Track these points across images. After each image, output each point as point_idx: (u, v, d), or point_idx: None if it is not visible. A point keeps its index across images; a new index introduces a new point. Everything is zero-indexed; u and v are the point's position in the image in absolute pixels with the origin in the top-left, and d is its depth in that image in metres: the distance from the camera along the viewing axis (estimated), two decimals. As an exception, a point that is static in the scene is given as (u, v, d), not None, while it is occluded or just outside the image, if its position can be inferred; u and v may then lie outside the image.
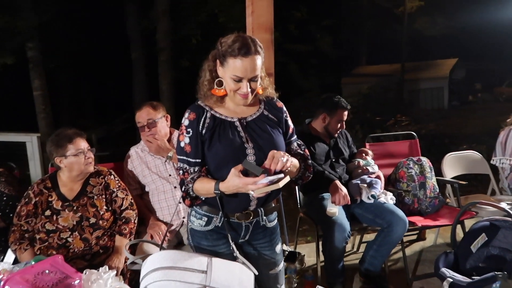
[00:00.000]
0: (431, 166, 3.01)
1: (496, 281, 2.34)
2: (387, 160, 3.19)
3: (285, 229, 2.78)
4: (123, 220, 2.26)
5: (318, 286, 1.90)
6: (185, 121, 1.58)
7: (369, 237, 3.33)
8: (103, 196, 2.23)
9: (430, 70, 19.74)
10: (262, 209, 1.64)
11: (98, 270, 1.60)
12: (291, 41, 12.56)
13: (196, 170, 1.57)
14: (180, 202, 1.81)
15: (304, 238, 3.90)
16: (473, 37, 20.57)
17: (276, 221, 1.73)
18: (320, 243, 2.66)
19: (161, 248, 1.66)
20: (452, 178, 3.26)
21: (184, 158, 1.58)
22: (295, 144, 1.71)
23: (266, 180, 1.38)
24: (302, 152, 1.68)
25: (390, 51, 19.78)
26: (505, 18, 16.90)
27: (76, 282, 1.51)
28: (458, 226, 2.73)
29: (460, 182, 2.98)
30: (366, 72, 20.17)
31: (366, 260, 2.69)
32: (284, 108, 1.70)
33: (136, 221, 2.30)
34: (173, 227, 2.40)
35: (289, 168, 1.48)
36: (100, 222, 2.18)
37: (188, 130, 1.56)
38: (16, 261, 2.10)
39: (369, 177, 2.76)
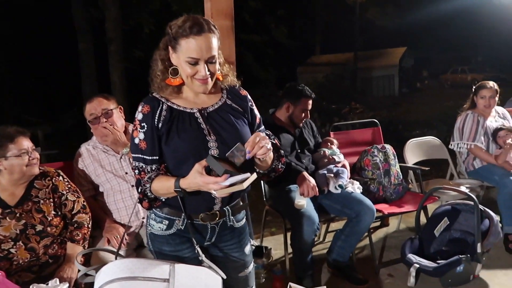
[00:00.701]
0: (395, 153, 3.02)
1: (460, 264, 2.39)
2: (352, 149, 3.17)
3: (250, 222, 2.68)
4: (75, 225, 2.04)
5: (290, 283, 1.82)
6: (139, 115, 1.41)
7: (335, 226, 3.31)
8: (51, 200, 2.00)
9: (381, 58, 20.41)
10: (228, 208, 1.50)
11: (47, 284, 1.41)
12: (246, 31, 12.40)
13: (153, 168, 1.41)
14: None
15: (268, 230, 3.83)
16: (420, 27, 21.46)
17: (244, 220, 1.61)
18: (288, 236, 2.58)
19: (117, 255, 1.49)
20: (414, 164, 3.31)
21: (140, 156, 1.41)
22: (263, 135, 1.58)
23: (228, 182, 1.25)
24: (274, 142, 1.55)
25: (343, 40, 20.20)
26: (450, 9, 17.74)
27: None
28: (422, 212, 2.77)
29: (423, 168, 3.02)
30: (320, 61, 20.49)
31: (334, 251, 2.65)
32: (249, 97, 1.56)
33: (90, 225, 2.10)
34: (132, 229, 2.22)
35: (266, 158, 1.39)
36: (48, 229, 1.95)
37: (142, 124, 1.40)
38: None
39: (335, 166, 2.71)
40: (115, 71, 9.34)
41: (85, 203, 2.11)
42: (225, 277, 1.42)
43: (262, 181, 2.89)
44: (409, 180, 3.33)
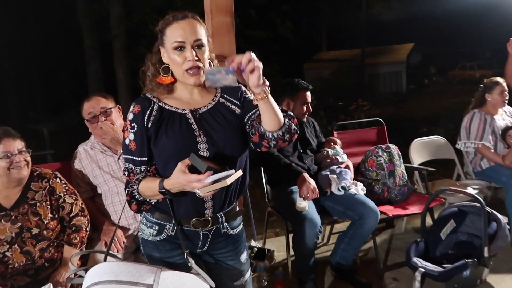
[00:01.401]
0: (399, 153, 2.95)
1: (467, 269, 2.33)
2: (356, 148, 3.11)
3: (253, 222, 2.64)
4: (73, 228, 2.01)
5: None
6: (130, 115, 1.38)
7: (339, 227, 3.26)
8: (48, 202, 1.97)
9: (388, 54, 20.21)
10: (222, 214, 1.44)
11: (43, 288, 1.38)
12: (252, 27, 12.33)
13: (142, 170, 1.37)
14: None
15: (273, 230, 3.78)
16: (427, 22, 21.22)
17: (241, 226, 1.55)
18: (290, 238, 2.54)
19: (106, 256, 1.45)
20: (419, 164, 3.24)
21: (129, 157, 1.38)
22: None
23: (211, 179, 1.21)
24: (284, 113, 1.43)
25: (349, 36, 20.05)
26: (458, 4, 17.49)
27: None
28: (427, 214, 2.70)
29: (429, 169, 2.95)
30: (327, 58, 20.35)
31: (337, 254, 2.60)
32: (243, 88, 1.48)
33: (88, 229, 2.06)
34: (130, 232, 2.18)
35: (258, 75, 1.21)
36: (45, 232, 1.92)
37: (132, 125, 1.37)
38: None
39: (338, 167, 2.65)
40: (120, 68, 9.36)
41: (83, 206, 2.08)
42: (213, 285, 1.37)
43: (264, 181, 2.84)
44: (415, 181, 3.27)
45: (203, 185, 1.21)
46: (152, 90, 1.41)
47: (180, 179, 1.23)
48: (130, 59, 9.27)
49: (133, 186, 1.37)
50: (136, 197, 1.37)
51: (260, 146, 1.36)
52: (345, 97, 12.85)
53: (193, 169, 1.24)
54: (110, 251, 1.46)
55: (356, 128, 3.56)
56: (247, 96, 1.46)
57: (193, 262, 1.37)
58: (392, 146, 2.93)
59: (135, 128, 1.36)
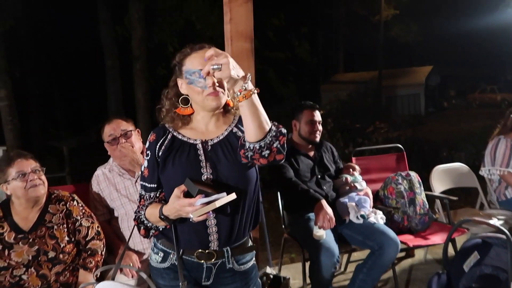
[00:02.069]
0: (420, 181, 2.87)
1: (492, 305, 2.22)
2: (375, 175, 3.05)
3: (268, 247, 2.59)
4: (89, 252, 2.00)
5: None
6: (147, 143, 1.44)
7: (357, 255, 3.17)
8: (65, 225, 1.97)
9: (406, 77, 20.10)
10: (228, 249, 1.41)
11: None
12: (270, 48, 12.47)
13: (151, 196, 1.42)
14: None
15: (288, 255, 3.71)
16: (446, 44, 21.11)
17: (251, 263, 1.48)
18: (307, 266, 2.47)
19: (115, 275, 1.53)
20: (441, 192, 3.15)
21: (142, 183, 1.43)
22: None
23: (200, 202, 1.21)
24: (277, 123, 1.32)
25: (367, 58, 20.05)
26: (476, 27, 17.39)
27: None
28: (450, 244, 2.60)
29: (451, 197, 2.86)
30: (344, 79, 20.36)
31: (355, 284, 2.50)
32: None
33: (103, 253, 2.05)
34: (145, 256, 2.17)
35: (235, 80, 1.14)
36: (61, 256, 1.92)
37: (147, 152, 1.42)
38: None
39: (357, 194, 2.60)
40: (140, 88, 9.51)
41: (99, 229, 2.07)
42: None
43: (280, 206, 2.80)
44: (436, 210, 3.17)
45: (194, 208, 1.22)
46: (169, 122, 1.44)
47: (175, 204, 1.26)
48: (149, 80, 9.45)
49: (140, 212, 1.41)
50: (144, 222, 1.40)
51: (241, 158, 1.29)
52: (362, 119, 12.77)
53: (188, 195, 1.26)
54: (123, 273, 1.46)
55: (375, 153, 3.50)
56: None
57: None
58: (412, 173, 2.86)
59: (149, 156, 1.41)
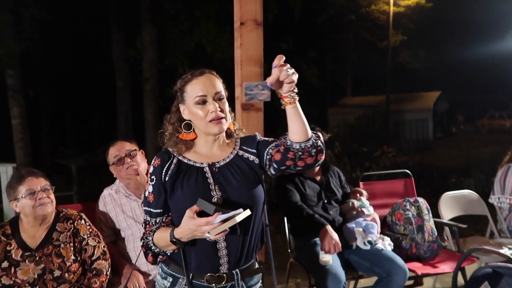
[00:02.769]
0: (428, 207, 2.84)
1: (504, 337, 2.15)
2: (382, 200, 3.02)
3: (274, 271, 2.55)
4: (94, 272, 2.00)
5: None
6: (151, 168, 1.43)
7: (365, 282, 3.11)
8: (71, 244, 1.98)
9: (414, 102, 20.13)
10: (238, 271, 1.41)
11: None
12: (278, 72, 12.64)
13: (157, 221, 1.40)
14: None
15: (294, 280, 3.65)
16: (454, 70, 21.20)
17: (259, 284, 1.49)
18: (313, 292, 2.43)
19: None
20: (449, 219, 3.10)
21: (147, 208, 1.42)
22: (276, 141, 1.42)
23: (219, 219, 1.21)
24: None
25: (374, 82, 20.18)
26: (485, 53, 17.49)
27: None
28: (459, 273, 2.55)
29: (460, 225, 2.82)
30: (352, 103, 20.45)
31: (362, 312, 2.46)
32: (258, 135, 1.51)
33: (108, 273, 2.05)
34: (150, 277, 2.15)
35: (291, 84, 1.23)
36: (66, 275, 1.92)
37: (152, 177, 1.41)
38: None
39: (364, 220, 2.57)
40: (149, 108, 9.66)
41: (105, 249, 2.07)
42: None
43: (287, 230, 2.78)
44: (445, 237, 3.12)
45: (213, 226, 1.22)
46: (172, 147, 1.44)
47: (189, 225, 1.25)
48: (159, 101, 9.58)
49: (148, 238, 1.40)
50: (152, 248, 1.39)
51: (284, 161, 1.32)
52: (370, 143, 12.73)
53: (201, 215, 1.26)
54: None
55: (383, 178, 3.48)
56: (262, 139, 1.49)
57: None
58: (420, 199, 2.83)
59: (154, 181, 1.40)
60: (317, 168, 2.73)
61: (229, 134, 1.49)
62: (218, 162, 1.42)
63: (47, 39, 9.56)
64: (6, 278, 1.85)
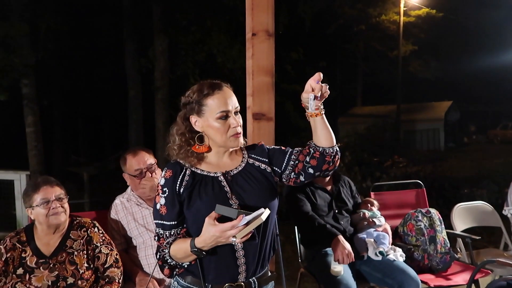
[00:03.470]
0: (441, 218, 2.82)
1: None
2: (394, 211, 3.00)
3: (284, 281, 2.54)
4: (106, 280, 2.02)
5: None
6: (161, 180, 1.41)
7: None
8: (85, 252, 2.00)
9: (425, 111, 19.98)
10: (255, 279, 1.42)
11: None
12: (288, 81, 12.67)
13: (172, 233, 1.39)
14: None
15: (303, 291, 3.63)
16: (466, 80, 21.03)
17: None
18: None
19: None
20: (462, 231, 3.07)
21: (159, 221, 1.40)
22: (297, 150, 1.50)
23: (244, 221, 1.22)
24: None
25: (385, 92, 20.10)
26: (496, 62, 17.34)
27: None
28: (473, 286, 2.51)
29: (473, 237, 2.78)
30: (362, 113, 20.37)
31: (373, 324, 2.44)
32: (264, 144, 1.55)
33: (120, 281, 2.06)
34: (166, 283, 2.17)
35: (325, 97, 1.40)
36: (79, 282, 1.94)
37: (164, 189, 1.39)
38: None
39: (376, 230, 2.56)
40: (160, 117, 9.74)
41: (117, 257, 2.09)
42: None
43: (297, 240, 2.77)
44: (457, 249, 3.08)
45: (238, 230, 1.22)
46: (183, 159, 1.43)
47: (212, 232, 1.25)
48: (170, 110, 9.67)
49: (164, 250, 1.38)
50: (168, 261, 1.38)
51: (321, 166, 1.44)
52: (380, 153, 12.63)
53: (220, 221, 1.26)
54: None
55: (394, 188, 3.46)
56: (270, 148, 1.52)
57: None
58: (432, 210, 2.81)
59: (166, 193, 1.39)
60: (328, 178, 2.73)
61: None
62: (231, 171, 1.44)
63: (62, 49, 9.74)
64: (20, 284, 1.88)
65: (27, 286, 1.88)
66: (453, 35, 19.01)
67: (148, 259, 2.19)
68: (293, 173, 1.47)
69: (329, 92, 1.39)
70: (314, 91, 1.35)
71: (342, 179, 2.82)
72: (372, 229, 2.57)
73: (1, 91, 7.76)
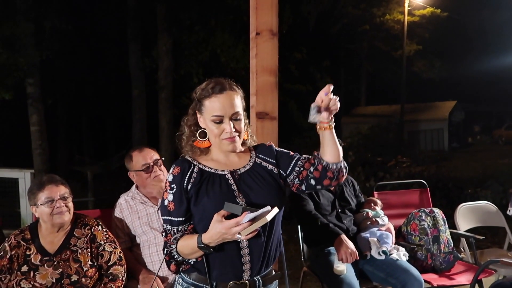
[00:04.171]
0: (444, 218, 2.81)
1: None
2: (397, 210, 3.00)
3: (287, 280, 2.55)
4: (110, 277, 2.03)
5: None
6: (169, 177, 1.43)
7: (378, 293, 3.07)
8: (88, 249, 2.01)
9: (429, 111, 19.89)
10: (259, 278, 1.43)
11: None
12: (291, 81, 12.67)
13: (179, 229, 1.40)
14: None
15: (306, 291, 3.63)
16: (470, 80, 20.93)
17: None
18: (326, 303, 2.42)
19: None
20: (466, 231, 3.06)
21: (167, 217, 1.41)
22: (305, 157, 1.50)
23: (248, 218, 1.23)
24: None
25: (389, 92, 20.04)
26: (501, 62, 17.25)
27: None
28: (476, 286, 2.51)
29: (477, 237, 2.77)
30: (365, 113, 20.31)
31: (376, 323, 2.43)
32: (273, 146, 1.55)
33: (124, 278, 2.07)
34: (169, 281, 2.17)
35: (335, 110, 1.35)
36: (83, 280, 1.95)
37: (172, 186, 1.41)
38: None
39: (379, 230, 2.56)
40: (164, 117, 9.77)
41: (121, 255, 2.10)
42: None
43: (300, 239, 2.77)
44: (461, 249, 3.07)
45: (243, 227, 1.23)
46: (189, 152, 1.46)
47: (218, 228, 1.26)
48: (174, 109, 9.70)
49: (171, 246, 1.39)
50: (175, 257, 1.39)
51: (322, 180, 1.42)
52: (384, 153, 12.60)
53: (229, 219, 1.27)
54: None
55: (397, 188, 3.45)
56: (279, 150, 1.52)
57: None
58: (436, 210, 2.80)
59: (174, 189, 1.40)
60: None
61: (243, 142, 1.51)
62: (239, 170, 1.45)
63: (66, 49, 9.79)
64: (25, 281, 1.89)
65: (32, 283, 1.89)
66: (458, 35, 18.92)
67: (152, 257, 2.20)
68: (297, 179, 1.47)
69: (338, 105, 1.34)
70: (322, 102, 1.33)
71: (345, 179, 2.82)
72: (375, 229, 2.57)
73: (6, 90, 7.82)
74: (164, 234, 1.42)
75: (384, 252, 2.42)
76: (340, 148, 1.42)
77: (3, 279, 1.90)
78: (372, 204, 2.73)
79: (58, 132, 13.17)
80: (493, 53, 18.50)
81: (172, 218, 1.40)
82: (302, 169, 1.46)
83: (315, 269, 2.59)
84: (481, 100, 22.75)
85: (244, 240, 1.33)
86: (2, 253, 1.93)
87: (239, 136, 1.42)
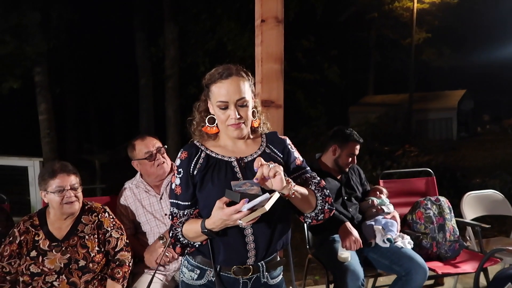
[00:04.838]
0: (450, 206, 2.80)
1: None
2: (403, 199, 2.99)
3: (292, 267, 2.57)
4: (117, 263, 2.06)
5: None
6: (177, 161, 1.46)
7: (384, 280, 3.09)
8: (95, 236, 2.04)
9: (438, 100, 19.67)
10: (263, 263, 1.44)
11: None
12: (299, 70, 12.58)
13: (185, 213, 1.43)
14: None
15: (312, 277, 3.65)
16: (480, 69, 20.63)
17: (280, 276, 1.54)
18: (331, 289, 2.44)
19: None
20: (472, 219, 3.05)
21: (174, 201, 1.44)
22: (304, 177, 1.50)
23: (247, 206, 1.23)
24: (317, 182, 1.48)
25: (397, 81, 19.83)
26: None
27: None
28: (481, 274, 2.50)
29: (483, 225, 2.76)
30: (373, 102, 20.14)
31: (381, 310, 2.45)
32: (288, 141, 1.54)
33: (131, 264, 2.10)
34: (171, 271, 2.19)
35: (280, 177, 1.27)
36: (90, 265, 1.98)
37: (179, 170, 1.44)
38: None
39: (384, 218, 2.56)
40: (171, 105, 9.80)
41: (127, 241, 2.13)
42: None
43: (305, 226, 2.78)
44: (467, 237, 3.06)
45: (243, 214, 1.23)
46: (198, 137, 1.47)
47: (219, 215, 1.27)
48: (180, 98, 9.71)
49: (177, 229, 1.42)
50: (181, 239, 1.41)
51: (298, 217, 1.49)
52: (392, 142, 12.54)
53: (231, 205, 1.28)
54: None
55: (404, 176, 3.43)
56: (291, 151, 1.51)
57: None
58: (442, 198, 2.79)
59: (181, 174, 1.42)
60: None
61: (253, 130, 1.51)
62: (246, 157, 1.45)
63: (73, 38, 9.82)
64: (34, 266, 1.93)
65: (40, 268, 1.93)
66: (468, 23, 18.58)
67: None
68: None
69: (274, 169, 1.25)
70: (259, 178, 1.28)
71: (351, 167, 2.82)
72: (380, 217, 2.57)
73: (14, 79, 7.88)
74: (170, 217, 1.45)
75: (389, 239, 2.43)
76: (311, 201, 1.42)
77: (13, 263, 1.94)
78: (378, 192, 2.73)
79: (66, 121, 13.28)
80: (503, 42, 18.18)
81: (178, 202, 1.43)
82: (299, 181, 1.46)
83: (319, 256, 2.60)
84: (490, 89, 22.43)
85: (248, 227, 1.34)
86: (11, 238, 1.97)
87: (245, 123, 1.41)
